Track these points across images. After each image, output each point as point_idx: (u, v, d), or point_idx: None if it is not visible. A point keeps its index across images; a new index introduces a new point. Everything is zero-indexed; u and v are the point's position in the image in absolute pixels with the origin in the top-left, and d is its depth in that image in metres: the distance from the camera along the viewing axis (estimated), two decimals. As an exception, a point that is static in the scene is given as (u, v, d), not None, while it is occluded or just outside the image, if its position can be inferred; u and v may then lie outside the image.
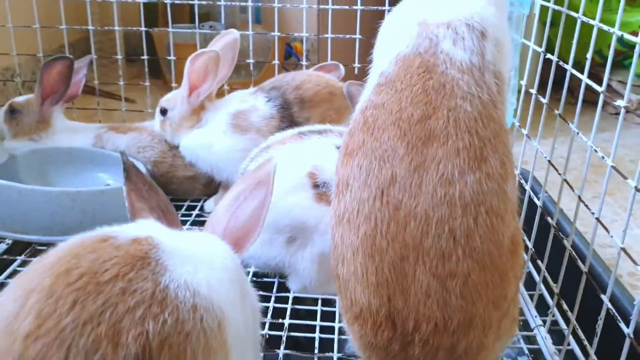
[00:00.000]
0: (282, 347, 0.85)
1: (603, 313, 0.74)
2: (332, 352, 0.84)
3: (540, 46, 0.98)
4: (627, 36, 0.73)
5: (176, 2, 1.47)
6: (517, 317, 0.69)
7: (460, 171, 0.60)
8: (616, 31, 0.74)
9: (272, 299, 0.95)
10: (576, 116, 0.85)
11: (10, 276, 0.99)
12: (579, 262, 0.81)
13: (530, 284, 1.01)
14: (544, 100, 0.94)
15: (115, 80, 1.57)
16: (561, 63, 0.90)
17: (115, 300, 0.45)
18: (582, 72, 0.82)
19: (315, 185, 0.88)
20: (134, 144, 1.29)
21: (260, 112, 1.18)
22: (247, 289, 0.63)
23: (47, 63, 1.26)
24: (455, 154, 0.60)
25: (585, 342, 0.79)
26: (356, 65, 1.43)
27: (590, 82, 0.80)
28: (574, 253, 0.83)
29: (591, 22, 0.80)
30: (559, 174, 0.88)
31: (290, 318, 0.90)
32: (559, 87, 0.90)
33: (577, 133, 0.84)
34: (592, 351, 0.77)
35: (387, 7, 1.37)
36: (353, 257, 0.64)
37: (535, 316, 0.94)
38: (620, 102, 0.72)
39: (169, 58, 1.51)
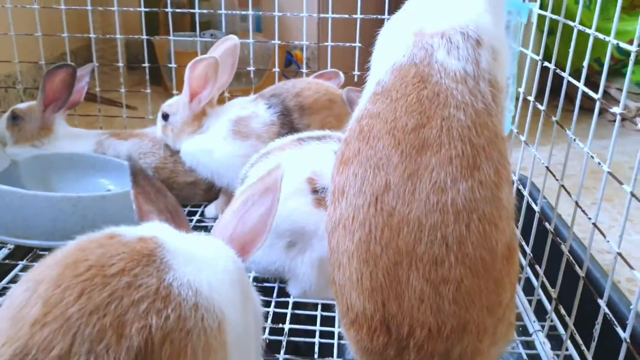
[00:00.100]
0: (282, 352, 0.85)
1: (600, 318, 0.74)
2: (332, 357, 0.85)
3: (538, 54, 0.99)
4: (622, 45, 0.74)
5: (177, 11, 1.49)
6: (513, 322, 0.69)
7: (452, 179, 0.61)
8: (612, 40, 0.75)
9: (272, 303, 0.96)
10: (573, 123, 0.86)
11: (12, 281, 0.99)
12: (577, 267, 0.81)
13: (528, 289, 1.01)
14: (542, 108, 0.95)
15: (117, 88, 1.58)
16: (558, 71, 0.91)
17: (121, 294, 0.47)
18: (579, 79, 0.84)
19: (315, 191, 0.89)
20: (135, 150, 1.30)
21: (260, 118, 1.19)
22: (249, 293, 0.64)
23: (50, 71, 1.28)
24: (448, 162, 0.61)
25: (583, 347, 0.80)
26: (356, 72, 1.44)
27: (586, 90, 0.81)
28: (571, 258, 0.84)
29: (587, 31, 0.82)
30: (557, 180, 0.89)
31: (290, 323, 0.91)
32: (557, 94, 0.91)
33: (574, 139, 0.85)
34: (589, 356, 0.78)
35: (386, 16, 1.38)
36: (348, 262, 0.65)
37: (534, 321, 0.94)
38: (616, 109, 0.73)
39: (169, 66, 1.52)
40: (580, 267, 0.81)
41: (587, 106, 0.79)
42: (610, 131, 0.74)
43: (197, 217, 1.26)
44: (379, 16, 1.39)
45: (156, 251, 0.52)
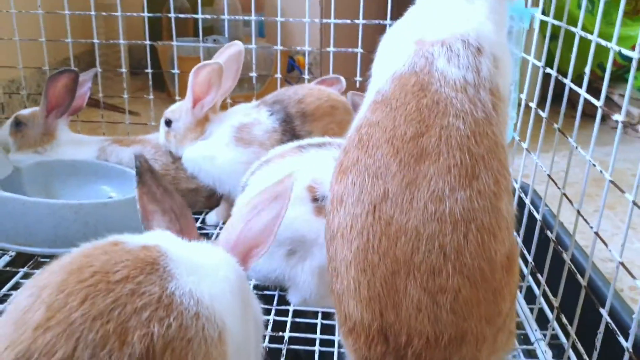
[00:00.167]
0: (282, 360, 0.85)
1: (602, 327, 0.74)
2: (332, 365, 0.84)
3: (540, 59, 0.99)
4: (624, 51, 0.74)
5: (180, 16, 1.49)
6: (514, 331, 0.69)
7: (451, 188, 0.61)
8: (613, 46, 0.74)
9: (273, 311, 0.95)
10: (575, 130, 0.85)
11: (13, 288, 1.00)
12: (578, 276, 0.81)
13: (530, 297, 1.01)
14: (544, 115, 0.95)
15: (120, 93, 1.59)
16: (560, 78, 0.91)
17: (125, 300, 0.47)
18: (582, 85, 0.83)
19: (315, 199, 0.89)
20: (137, 156, 1.30)
21: (263, 125, 1.19)
22: (250, 302, 0.64)
23: (53, 76, 1.28)
24: (446, 171, 0.61)
25: (585, 357, 0.79)
26: (358, 78, 1.44)
27: (588, 97, 0.81)
28: (573, 267, 0.84)
29: (589, 37, 0.81)
30: (559, 188, 0.88)
31: (291, 331, 0.91)
32: (559, 100, 0.90)
33: (576, 147, 0.84)
34: (591, 365, 0.77)
35: (388, 21, 1.38)
36: (346, 271, 0.65)
37: (535, 330, 0.94)
38: (618, 117, 0.72)
39: (172, 71, 1.52)
40: (582, 276, 0.81)
41: (590, 112, 0.78)
42: (613, 138, 0.74)
43: (198, 224, 1.26)
44: (381, 21, 1.39)
45: (159, 259, 0.53)
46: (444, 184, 0.61)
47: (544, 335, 0.91)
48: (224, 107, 1.35)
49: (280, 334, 0.90)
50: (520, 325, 0.95)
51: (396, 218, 0.62)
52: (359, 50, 1.43)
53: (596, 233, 0.77)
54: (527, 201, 1.03)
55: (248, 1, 1.52)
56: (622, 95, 2.23)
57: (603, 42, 0.78)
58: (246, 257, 0.67)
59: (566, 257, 0.85)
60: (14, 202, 1.08)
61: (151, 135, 1.36)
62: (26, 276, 1.03)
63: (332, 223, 0.67)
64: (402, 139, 0.63)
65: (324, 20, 1.49)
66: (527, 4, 1.04)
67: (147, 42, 1.52)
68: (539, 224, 0.95)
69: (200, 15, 1.48)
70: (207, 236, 1.20)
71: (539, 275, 0.95)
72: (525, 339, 0.93)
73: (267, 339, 0.88)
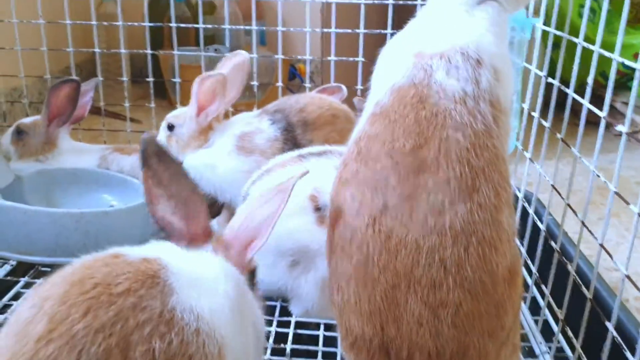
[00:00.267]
0: (283, 372, 0.84)
1: (608, 342, 0.73)
2: (334, 377, 0.84)
3: (542, 70, 0.98)
4: (627, 62, 0.74)
5: (181, 25, 1.49)
6: (518, 344, 0.68)
7: (450, 201, 0.60)
8: (616, 57, 0.74)
9: (274, 323, 0.95)
10: (578, 141, 0.85)
11: (14, 297, 0.99)
12: (584, 289, 0.80)
13: (534, 309, 1.00)
14: (547, 124, 0.95)
15: (121, 101, 1.58)
16: (563, 88, 0.91)
17: (127, 314, 0.47)
18: (584, 93, 0.83)
19: (317, 209, 0.88)
20: (138, 165, 1.29)
21: (264, 134, 1.18)
22: (249, 313, 0.63)
23: (55, 86, 1.28)
24: (445, 184, 0.61)
25: (591, 370, 0.79)
26: (359, 87, 1.44)
27: (591, 107, 0.81)
28: (578, 279, 0.83)
29: (592, 47, 0.81)
30: (563, 199, 0.88)
31: (293, 343, 0.90)
32: (562, 108, 0.90)
33: (580, 157, 0.84)
34: (597, 379, 0.76)
35: (389, 31, 1.38)
36: (347, 285, 0.64)
37: (540, 342, 0.93)
38: (622, 128, 0.72)
39: (174, 80, 1.52)
40: (587, 287, 0.80)
41: (594, 119, 0.78)
42: (616, 145, 0.73)
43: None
44: (382, 31, 1.39)
45: (160, 273, 0.52)
46: (443, 196, 0.60)
47: (549, 348, 0.90)
48: (225, 115, 1.35)
49: (282, 345, 0.89)
50: (524, 338, 0.94)
51: (396, 231, 0.61)
52: (360, 59, 1.43)
53: (601, 245, 0.76)
54: (531, 211, 1.02)
55: (249, 10, 1.53)
56: (625, 103, 2.22)
57: (606, 54, 0.77)
58: (246, 248, 0.66)
59: (571, 268, 0.84)
60: (15, 211, 1.07)
61: (152, 144, 1.35)
62: (27, 285, 1.03)
63: (331, 236, 0.67)
64: (401, 151, 0.63)
65: (325, 30, 1.49)
66: (528, 14, 1.04)
67: (149, 51, 1.52)
68: (542, 234, 0.95)
69: (201, 25, 1.48)
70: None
71: (543, 287, 0.94)
72: (530, 352, 0.92)
73: (268, 351, 0.88)
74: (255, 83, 1.48)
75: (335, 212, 0.67)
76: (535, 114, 1.01)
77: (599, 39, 0.80)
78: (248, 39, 2.27)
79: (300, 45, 2.05)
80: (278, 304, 0.99)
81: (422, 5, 1.33)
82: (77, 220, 1.07)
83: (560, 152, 0.90)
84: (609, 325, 0.73)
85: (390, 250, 0.61)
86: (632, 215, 0.69)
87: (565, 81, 0.92)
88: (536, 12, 1.06)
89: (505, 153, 0.66)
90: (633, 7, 2.61)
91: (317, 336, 0.92)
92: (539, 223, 0.97)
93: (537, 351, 0.91)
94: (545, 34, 1.02)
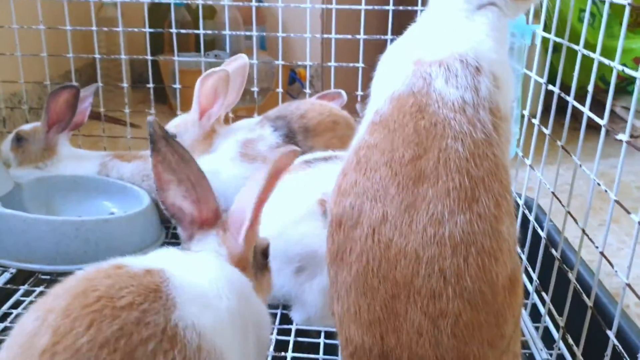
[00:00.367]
0: (284, 381, 0.84)
1: (609, 350, 0.73)
2: (335, 386, 0.83)
3: (542, 76, 0.98)
4: (627, 70, 0.74)
5: (182, 31, 1.49)
6: (519, 353, 0.68)
7: (450, 211, 0.60)
8: (616, 65, 0.74)
9: (275, 331, 0.94)
10: (578, 149, 0.85)
11: (13, 306, 0.99)
12: (584, 297, 0.80)
13: (535, 315, 1.00)
14: (547, 132, 0.95)
15: (121, 106, 1.58)
16: (563, 95, 0.91)
17: (131, 329, 0.47)
18: (585, 97, 0.82)
19: (326, 213, 0.88)
20: (138, 172, 1.29)
21: (267, 141, 1.19)
22: (252, 326, 0.63)
23: (54, 92, 1.28)
24: (445, 194, 0.61)
25: (592, 378, 0.78)
26: (359, 92, 1.44)
27: (592, 115, 0.81)
28: (578, 287, 0.83)
29: (592, 55, 0.81)
30: (563, 207, 0.88)
31: (293, 351, 0.90)
32: (563, 112, 0.90)
33: (580, 166, 0.84)
34: (599, 387, 0.76)
35: (389, 36, 1.38)
36: (346, 294, 0.64)
37: (541, 349, 0.93)
38: (622, 136, 0.72)
39: (174, 86, 1.52)
40: (588, 294, 0.80)
41: (594, 124, 0.78)
42: (617, 149, 0.73)
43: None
44: (382, 37, 1.39)
45: (162, 286, 0.52)
46: (443, 207, 0.60)
47: (550, 355, 0.90)
48: (225, 120, 1.34)
49: (283, 354, 0.89)
50: (525, 345, 0.94)
51: (395, 241, 0.61)
52: (360, 64, 1.43)
53: (602, 253, 0.76)
54: (532, 218, 1.02)
55: (249, 14, 1.53)
56: (625, 108, 2.22)
57: (606, 61, 0.77)
58: (236, 232, 0.67)
59: (571, 276, 0.84)
60: (15, 219, 1.07)
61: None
62: (27, 293, 1.03)
63: (331, 246, 0.67)
64: (400, 161, 0.63)
65: (325, 36, 1.49)
66: (529, 20, 1.04)
67: (149, 57, 1.52)
68: (543, 241, 0.94)
69: (202, 31, 1.48)
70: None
71: (543, 294, 0.94)
72: (530, 359, 0.92)
73: (269, 359, 0.87)
74: (255, 89, 1.48)
75: (335, 221, 0.67)
76: (536, 121, 1.01)
77: (599, 47, 0.80)
78: (248, 43, 2.27)
79: (301, 50, 2.05)
80: (279, 312, 0.98)
81: (421, 10, 1.34)
82: (77, 228, 1.07)
83: (561, 158, 0.90)
84: (610, 334, 0.73)
85: (390, 260, 0.61)
86: (633, 221, 0.69)
87: (565, 85, 0.91)
88: (536, 17, 1.06)
89: (506, 161, 0.66)
90: (633, 11, 2.61)
91: (318, 344, 0.91)
92: (539, 230, 0.97)
93: (537, 358, 0.91)
94: (545, 39, 1.02)
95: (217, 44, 2.28)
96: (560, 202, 0.90)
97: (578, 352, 0.81)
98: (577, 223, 0.84)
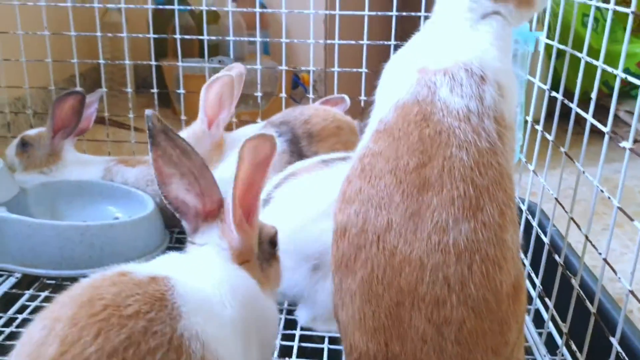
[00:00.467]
0: (288, 386, 0.84)
1: (613, 357, 0.73)
2: (339, 392, 0.84)
3: (546, 79, 0.98)
4: (630, 78, 0.74)
5: (186, 37, 1.50)
6: (522, 359, 0.68)
7: (454, 220, 0.61)
8: (619, 73, 0.74)
9: (279, 336, 0.94)
10: (582, 155, 0.85)
11: (19, 310, 0.99)
12: (588, 303, 0.80)
13: (539, 321, 1.00)
14: (550, 138, 0.95)
15: (125, 110, 1.59)
16: (566, 102, 0.91)
17: (138, 338, 0.47)
18: (588, 102, 0.83)
19: None
20: (142, 177, 1.30)
21: None
22: (256, 333, 0.63)
23: (60, 98, 1.29)
24: (449, 202, 0.61)
25: (596, 385, 0.79)
26: (362, 98, 1.44)
27: (595, 123, 0.81)
28: (582, 293, 0.83)
29: (595, 63, 0.81)
30: (566, 212, 0.88)
31: (297, 357, 0.90)
32: (567, 117, 0.90)
33: (583, 172, 0.84)
34: (602, 394, 0.76)
35: (393, 42, 1.39)
36: (351, 301, 0.65)
37: (544, 355, 0.93)
38: (626, 144, 0.72)
39: (178, 92, 1.53)
40: (591, 300, 0.80)
41: (598, 128, 0.79)
42: (620, 154, 0.73)
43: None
44: (386, 42, 1.39)
45: (167, 295, 0.53)
46: (447, 215, 0.61)
47: (553, 361, 0.90)
48: (229, 125, 1.35)
49: (287, 359, 0.89)
50: (529, 350, 0.94)
51: (400, 248, 0.62)
52: (364, 70, 1.43)
53: (605, 260, 0.76)
54: (535, 224, 1.02)
55: (252, 18, 1.53)
56: (628, 112, 2.22)
57: (609, 69, 0.78)
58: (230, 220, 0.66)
59: (575, 282, 0.84)
60: (20, 224, 1.08)
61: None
62: (32, 298, 1.03)
63: (336, 253, 0.68)
64: (404, 169, 0.63)
65: (329, 41, 1.50)
66: (532, 27, 1.05)
67: (153, 62, 1.53)
68: (546, 247, 0.95)
69: (205, 37, 1.49)
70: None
71: (547, 300, 0.94)
72: (533, 365, 0.92)
73: (273, 365, 0.88)
74: (259, 94, 1.49)
75: (339, 228, 0.67)
76: (539, 127, 1.01)
77: (602, 54, 0.80)
78: (252, 48, 2.28)
79: (304, 55, 2.05)
80: (282, 317, 0.99)
81: (425, 16, 1.35)
82: (82, 233, 1.08)
83: (564, 163, 0.90)
84: (614, 341, 0.73)
85: (395, 267, 0.62)
86: (636, 226, 0.69)
87: (569, 91, 0.92)
88: (540, 22, 1.06)
89: (510, 170, 0.67)
90: (636, 17, 2.60)
91: (322, 349, 0.92)
92: (542, 237, 0.97)
93: (541, 365, 0.92)
94: (549, 45, 1.03)
95: (221, 49, 2.29)
96: (563, 208, 0.90)
97: (581, 358, 0.81)
98: (580, 229, 0.84)
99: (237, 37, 1.61)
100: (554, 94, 0.95)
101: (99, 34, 1.51)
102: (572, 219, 0.87)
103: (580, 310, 0.83)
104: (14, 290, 1.05)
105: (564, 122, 0.89)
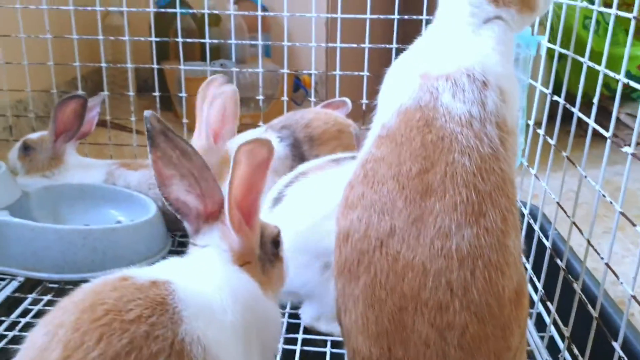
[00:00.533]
0: (290, 390, 0.84)
1: (615, 361, 0.73)
2: (341, 396, 0.84)
3: (548, 82, 0.99)
4: (632, 84, 0.74)
5: (187, 40, 1.50)
6: (524, 364, 0.68)
7: (457, 225, 0.61)
8: (622, 79, 0.74)
9: (281, 340, 0.95)
10: (584, 159, 0.85)
11: (22, 314, 1.00)
12: (590, 307, 0.80)
13: (540, 324, 1.00)
14: (552, 142, 0.95)
15: (127, 113, 1.60)
16: (568, 106, 0.91)
17: (140, 343, 0.48)
18: (589, 105, 0.83)
19: None
20: (144, 180, 1.30)
21: (276, 153, 1.18)
22: (258, 338, 0.63)
23: (62, 101, 1.29)
24: (452, 208, 0.61)
25: (598, 389, 0.79)
26: (364, 101, 1.44)
27: (597, 127, 0.81)
28: (584, 297, 0.83)
29: (598, 68, 0.81)
30: (568, 217, 0.88)
31: (299, 360, 0.90)
32: (569, 119, 0.90)
33: (585, 177, 0.84)
34: (604, 398, 0.76)
35: (394, 45, 1.39)
36: (354, 306, 0.65)
37: (546, 359, 0.93)
38: (627, 149, 0.72)
39: (180, 95, 1.53)
40: (594, 305, 0.80)
41: (600, 132, 0.79)
42: (622, 157, 0.73)
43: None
44: (387, 45, 1.39)
45: (168, 299, 0.53)
46: (450, 220, 0.61)
47: (555, 365, 0.90)
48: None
49: (289, 363, 0.89)
50: (531, 354, 0.94)
51: (403, 254, 0.62)
52: (365, 73, 1.43)
53: (607, 264, 0.76)
54: (537, 228, 1.02)
55: (254, 22, 1.54)
56: (629, 115, 2.22)
57: (611, 74, 0.78)
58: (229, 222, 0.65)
59: (577, 287, 0.84)
60: (22, 228, 1.08)
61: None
62: (34, 302, 1.03)
63: (339, 258, 0.68)
64: (407, 175, 0.64)
65: (330, 45, 1.50)
66: (534, 31, 1.05)
67: (155, 65, 1.53)
68: (548, 251, 0.95)
69: (207, 40, 1.49)
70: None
71: (549, 304, 0.94)
72: (536, 369, 0.92)
73: (275, 369, 0.88)
74: (260, 97, 1.49)
75: (342, 234, 0.68)
76: (541, 131, 1.01)
77: (604, 59, 0.80)
78: (253, 50, 2.28)
79: (305, 58, 2.06)
80: (285, 321, 0.99)
81: (427, 19, 1.35)
82: (84, 237, 1.08)
83: (566, 166, 0.90)
84: (616, 346, 0.73)
85: (398, 272, 0.62)
86: (637, 228, 0.69)
87: (570, 93, 0.92)
88: (542, 25, 1.06)
89: (513, 175, 0.67)
90: (637, 21, 2.60)
91: (324, 353, 0.92)
92: (544, 240, 0.97)
93: (543, 369, 0.92)
94: (550, 50, 1.03)
95: (222, 51, 2.29)
96: (565, 212, 0.90)
97: (584, 362, 0.81)
98: (582, 233, 0.84)
99: (238, 40, 1.61)
100: (555, 97, 0.95)
101: (100, 37, 1.51)
102: (574, 223, 0.87)
103: (582, 314, 0.83)
104: (16, 294, 1.05)
105: (566, 123, 0.89)
